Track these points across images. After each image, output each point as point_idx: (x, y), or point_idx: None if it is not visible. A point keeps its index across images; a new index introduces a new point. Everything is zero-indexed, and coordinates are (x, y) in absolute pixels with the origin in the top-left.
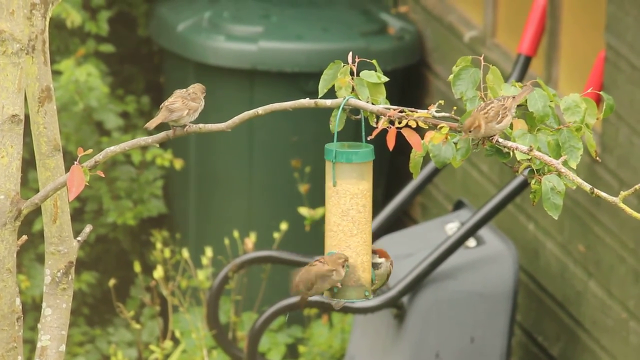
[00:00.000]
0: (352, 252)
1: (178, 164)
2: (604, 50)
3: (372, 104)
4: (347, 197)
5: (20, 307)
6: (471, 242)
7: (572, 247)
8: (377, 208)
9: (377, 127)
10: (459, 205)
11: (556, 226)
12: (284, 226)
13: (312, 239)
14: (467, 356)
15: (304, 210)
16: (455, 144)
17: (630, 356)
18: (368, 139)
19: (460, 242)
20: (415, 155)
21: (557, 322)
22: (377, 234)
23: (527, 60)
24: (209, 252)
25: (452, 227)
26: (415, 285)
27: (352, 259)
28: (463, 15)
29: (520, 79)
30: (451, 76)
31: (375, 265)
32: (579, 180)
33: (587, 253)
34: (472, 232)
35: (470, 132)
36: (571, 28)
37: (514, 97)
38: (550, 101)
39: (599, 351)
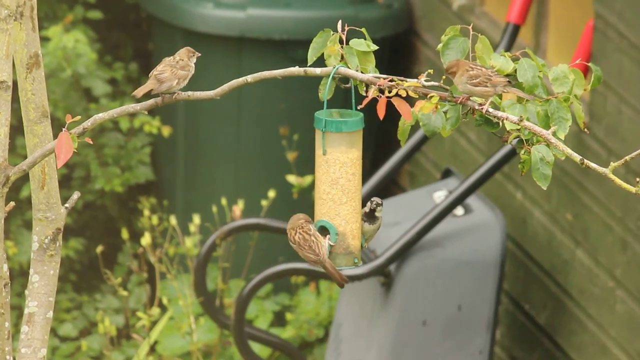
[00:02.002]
0: (342, 220)
1: (166, 131)
2: (593, 19)
3: (362, 72)
4: (337, 165)
5: (8, 274)
6: (459, 211)
7: (560, 216)
8: (365, 176)
9: (366, 96)
10: (446, 174)
11: (544, 195)
12: (271, 194)
13: (300, 206)
14: (454, 324)
15: (291, 178)
16: (445, 113)
17: (617, 325)
18: (358, 108)
19: (448, 210)
20: (404, 124)
21: (544, 291)
22: (364, 202)
23: (516, 29)
24: (196, 219)
25: (440, 195)
26: (403, 254)
27: (342, 227)
28: None
29: (509, 47)
30: (440, 45)
31: (374, 219)
32: (569, 150)
33: (574, 222)
34: (459, 200)
35: (447, 72)
36: None
37: (507, 83)
38: (539, 71)
39: (585, 319)
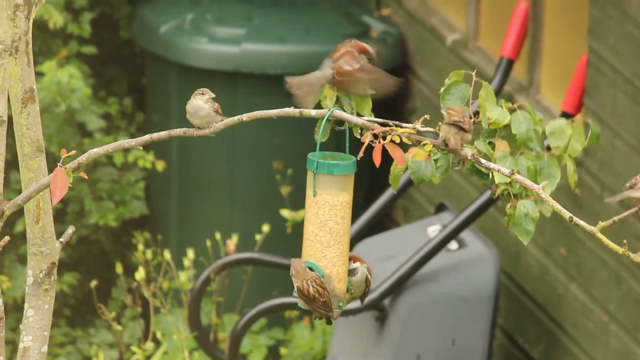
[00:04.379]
0: (328, 262)
1: (160, 165)
2: (587, 54)
3: (358, 114)
4: (326, 208)
5: (2, 308)
6: (453, 245)
7: (554, 250)
8: (358, 211)
9: (360, 139)
10: (440, 208)
11: (537, 229)
12: (265, 228)
13: (293, 241)
14: (449, 358)
15: (285, 213)
16: (436, 161)
17: (611, 359)
18: (358, 158)
19: (442, 244)
20: (396, 169)
21: (538, 325)
22: (358, 237)
23: (510, 64)
24: (190, 253)
25: (434, 229)
26: (397, 288)
27: (328, 269)
28: (445, 18)
29: (503, 82)
30: (442, 89)
31: (350, 272)
32: (558, 206)
33: (568, 256)
34: (453, 235)
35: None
36: (554, 31)
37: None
38: (535, 125)
39: (579, 354)
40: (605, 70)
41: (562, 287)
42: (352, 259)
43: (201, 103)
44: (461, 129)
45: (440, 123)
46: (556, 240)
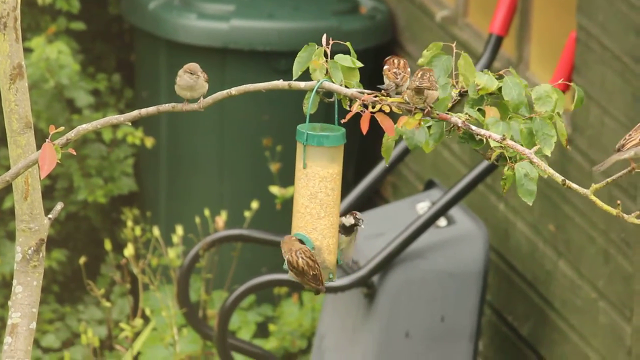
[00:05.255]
0: (319, 234)
1: (149, 142)
2: (575, 31)
3: (346, 87)
4: (316, 179)
5: None
6: (442, 222)
7: (542, 227)
8: (347, 187)
9: (350, 110)
10: (429, 185)
11: (526, 206)
12: (255, 205)
13: (283, 217)
14: (437, 335)
15: (274, 189)
16: (429, 128)
17: (599, 336)
18: (341, 122)
19: (431, 221)
20: (388, 140)
21: (527, 302)
22: (347, 213)
23: (499, 40)
24: (179, 230)
25: (423, 206)
26: (386, 265)
27: (319, 241)
28: None
29: (492, 59)
30: (421, 60)
31: (350, 232)
32: (551, 170)
33: (557, 233)
34: (442, 211)
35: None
36: (543, 8)
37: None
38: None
39: (568, 331)
40: (594, 47)
41: (551, 264)
42: (353, 214)
43: (192, 82)
44: (423, 90)
45: (404, 91)
46: (545, 217)
